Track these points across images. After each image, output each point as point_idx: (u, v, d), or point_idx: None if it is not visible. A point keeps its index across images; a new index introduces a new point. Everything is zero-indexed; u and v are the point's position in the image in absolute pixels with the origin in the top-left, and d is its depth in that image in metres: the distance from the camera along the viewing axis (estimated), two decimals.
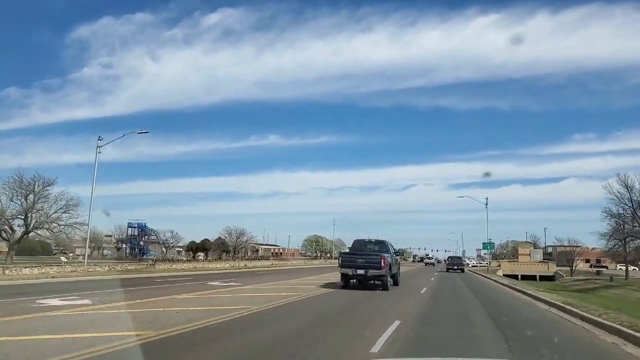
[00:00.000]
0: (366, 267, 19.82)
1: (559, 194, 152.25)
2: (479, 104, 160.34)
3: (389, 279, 21.05)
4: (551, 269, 63.57)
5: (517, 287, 27.63)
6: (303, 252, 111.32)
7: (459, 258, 64.24)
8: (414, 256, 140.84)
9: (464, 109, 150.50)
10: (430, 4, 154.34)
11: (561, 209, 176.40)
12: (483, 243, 46.20)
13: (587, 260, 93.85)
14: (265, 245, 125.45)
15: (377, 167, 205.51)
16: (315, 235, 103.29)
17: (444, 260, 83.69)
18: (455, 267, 54.32)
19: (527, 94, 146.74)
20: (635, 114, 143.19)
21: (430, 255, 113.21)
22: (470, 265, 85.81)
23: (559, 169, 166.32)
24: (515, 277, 60.95)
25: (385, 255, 20.57)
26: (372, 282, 20.60)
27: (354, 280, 20.87)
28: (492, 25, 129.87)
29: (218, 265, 47.38)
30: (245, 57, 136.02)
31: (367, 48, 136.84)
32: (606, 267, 76.79)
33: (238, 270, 41.97)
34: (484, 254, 64.78)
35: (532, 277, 62.85)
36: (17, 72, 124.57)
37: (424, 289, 23.58)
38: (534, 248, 72.19)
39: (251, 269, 46.56)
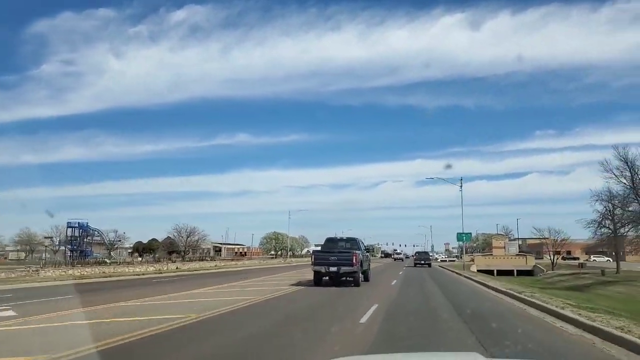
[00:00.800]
0: (338, 264, 20.13)
1: (522, 189, 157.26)
2: (445, 102, 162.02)
3: (360, 275, 21.18)
4: (530, 262, 57.45)
5: (497, 287, 20.56)
6: (264, 250, 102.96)
7: (426, 253, 65.24)
8: (382, 252, 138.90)
9: (431, 107, 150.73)
10: (397, 4, 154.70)
11: (524, 203, 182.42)
12: (458, 234, 38.85)
13: (558, 252, 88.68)
14: (230, 244, 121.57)
15: (348, 164, 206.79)
16: (275, 232, 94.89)
17: (412, 256, 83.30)
18: (423, 262, 55.22)
19: (490, 92, 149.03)
20: (591, 111, 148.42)
21: (399, 251, 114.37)
22: (438, 260, 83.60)
23: (521, 164, 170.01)
24: (490, 272, 54.65)
25: (357, 252, 20.90)
26: (344, 278, 20.79)
27: (326, 277, 21.10)
28: (457, 24, 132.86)
29: (137, 270, 38.48)
30: (212, 55, 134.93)
31: (336, 46, 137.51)
32: (578, 259, 71.20)
33: (155, 276, 33.07)
34: (459, 245, 58.19)
35: (509, 272, 56.61)
36: None
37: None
38: (509, 240, 65.90)
39: (181, 273, 37.86)
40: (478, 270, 54.56)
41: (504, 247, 63.81)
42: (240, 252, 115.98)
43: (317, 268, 20.75)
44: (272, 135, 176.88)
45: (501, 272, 56.23)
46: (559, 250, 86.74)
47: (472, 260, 64.51)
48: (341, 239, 23.90)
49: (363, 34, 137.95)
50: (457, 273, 38.53)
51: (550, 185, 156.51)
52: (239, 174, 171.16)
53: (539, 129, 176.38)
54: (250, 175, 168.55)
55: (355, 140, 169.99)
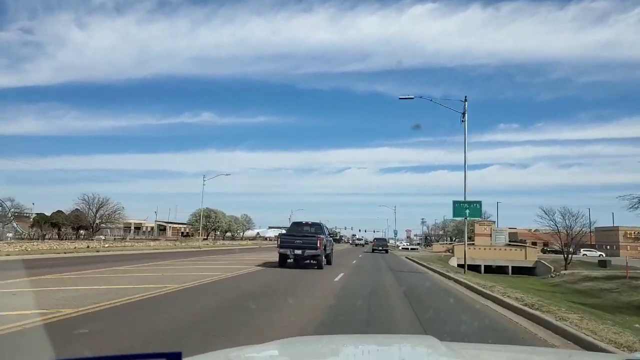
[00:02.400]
0: (303, 248, 20.77)
1: (482, 181, 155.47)
2: (412, 91, 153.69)
3: (323, 258, 21.70)
4: (530, 257, 42.11)
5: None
6: (194, 230, 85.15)
7: (384, 240, 66.24)
8: (340, 236, 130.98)
9: (398, 95, 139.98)
10: None
11: (485, 195, 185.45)
12: (456, 203, 20.57)
13: (534, 243, 74.88)
14: (177, 224, 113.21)
15: (314, 149, 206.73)
16: (208, 209, 77.22)
17: (371, 242, 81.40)
18: (380, 248, 55.66)
19: (458, 83, 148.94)
20: (554, 106, 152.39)
21: (360, 237, 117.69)
22: (399, 248, 78.73)
23: (484, 156, 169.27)
24: (475, 268, 39.07)
25: (321, 236, 21.60)
26: (308, 261, 21.50)
27: (291, 260, 21.59)
28: (428, 14, 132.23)
29: None
30: (180, 31, 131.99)
31: (306, 29, 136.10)
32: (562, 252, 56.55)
33: None
34: (454, 221, 42.54)
35: (501, 270, 41.21)
36: None
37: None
38: (497, 228, 50.55)
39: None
40: (459, 265, 39.08)
41: (490, 236, 48.51)
42: (185, 233, 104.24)
43: (283, 251, 21.19)
44: (239, 116, 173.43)
45: (490, 269, 40.87)
46: (534, 241, 72.81)
47: (449, 250, 49.35)
48: (306, 224, 24.34)
49: (334, 18, 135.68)
50: (441, 274, 22.57)
51: (510, 178, 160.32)
52: (202, 154, 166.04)
53: (502, 122, 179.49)
54: (215, 156, 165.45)
55: (322, 125, 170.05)
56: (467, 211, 18.29)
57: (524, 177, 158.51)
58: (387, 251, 55.71)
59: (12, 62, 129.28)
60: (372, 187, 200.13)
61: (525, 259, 41.74)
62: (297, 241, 20.93)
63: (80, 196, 77.18)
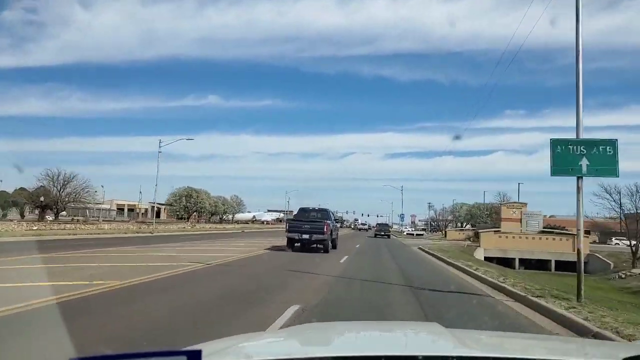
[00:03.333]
0: (310, 232, 21.25)
1: (487, 167, 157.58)
2: (419, 76, 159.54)
3: (329, 243, 22.15)
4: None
5: None
6: (172, 211, 76.02)
7: (386, 225, 66.92)
8: (343, 221, 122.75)
9: (404, 80, 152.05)
10: None
11: (490, 181, 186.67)
12: (560, 145, 11.61)
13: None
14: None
15: (319, 134, 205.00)
16: (190, 188, 67.86)
17: (374, 227, 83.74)
18: (382, 233, 56.40)
19: (466, 68, 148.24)
20: (562, 92, 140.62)
21: (364, 222, 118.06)
22: (404, 234, 76.06)
23: (489, 142, 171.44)
24: (507, 263, 29.85)
25: (328, 222, 22.12)
26: (315, 245, 21.73)
27: (297, 244, 21.91)
28: None
29: None
30: (186, 12, 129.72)
31: (314, 11, 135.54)
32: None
33: None
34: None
35: (541, 265, 31.83)
36: None
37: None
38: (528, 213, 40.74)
39: None
40: (486, 258, 29.77)
41: (520, 221, 38.97)
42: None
43: (291, 235, 21.70)
44: (244, 99, 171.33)
45: (528, 264, 31.51)
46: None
47: (470, 238, 39.90)
48: (313, 209, 24.46)
49: (342, 1, 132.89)
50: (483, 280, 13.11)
51: (515, 165, 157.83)
52: (207, 137, 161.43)
53: (509, 108, 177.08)
54: (219, 139, 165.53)
55: (328, 109, 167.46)
56: (585, 160, 8.13)
57: (529, 163, 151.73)
58: (389, 236, 55.97)
59: (15, 41, 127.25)
60: (377, 172, 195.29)
61: (573, 249, 32.25)
62: (305, 226, 21.49)
63: (44, 172, 67.68)
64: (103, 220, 57.48)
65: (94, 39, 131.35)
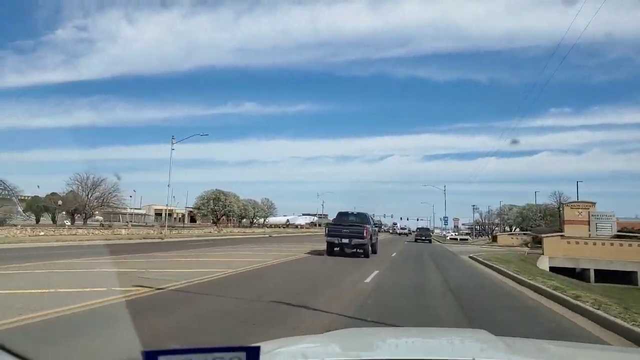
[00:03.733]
0: (350, 237, 21.03)
1: (531, 168, 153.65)
2: (456, 76, 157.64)
3: (369, 247, 21.89)
4: None
5: None
6: (201, 215, 72.97)
7: (427, 229, 66.12)
8: (380, 225, 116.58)
9: (441, 80, 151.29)
10: None
11: (535, 183, 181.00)
12: None
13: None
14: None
15: (354, 136, 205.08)
16: (218, 190, 64.56)
17: (414, 231, 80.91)
18: (423, 238, 55.90)
19: (506, 66, 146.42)
20: (611, 89, 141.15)
21: (403, 226, 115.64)
22: (447, 238, 71.16)
23: (533, 142, 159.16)
24: (579, 275, 24.46)
25: (367, 226, 21.83)
26: (355, 250, 21.39)
27: (337, 249, 21.58)
28: None
29: None
30: (223, 23, 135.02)
31: (346, 16, 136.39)
32: None
33: None
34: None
35: (625, 277, 26.21)
36: None
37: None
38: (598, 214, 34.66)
39: None
40: (551, 269, 24.49)
41: (588, 224, 33.12)
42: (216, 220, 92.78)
43: (330, 239, 21.52)
44: (279, 105, 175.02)
45: (604, 275, 25.80)
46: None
47: (527, 244, 34.10)
48: (352, 213, 24.34)
49: (375, 3, 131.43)
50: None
51: (562, 165, 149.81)
52: (244, 143, 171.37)
53: (554, 107, 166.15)
54: (256, 145, 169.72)
55: (363, 112, 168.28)
56: None
57: (579, 163, 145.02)
58: (430, 241, 55.56)
59: (68, 58, 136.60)
60: (415, 175, 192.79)
61: None
62: (344, 230, 21.35)
63: (73, 176, 66.16)
64: (124, 225, 54.90)
65: (138, 52, 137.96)
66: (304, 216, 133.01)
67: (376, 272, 14.80)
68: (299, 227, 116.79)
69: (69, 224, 51.40)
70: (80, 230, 35.63)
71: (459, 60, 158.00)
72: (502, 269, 16.64)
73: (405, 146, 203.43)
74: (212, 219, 68.61)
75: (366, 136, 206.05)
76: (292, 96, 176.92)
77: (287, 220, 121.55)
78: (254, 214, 79.07)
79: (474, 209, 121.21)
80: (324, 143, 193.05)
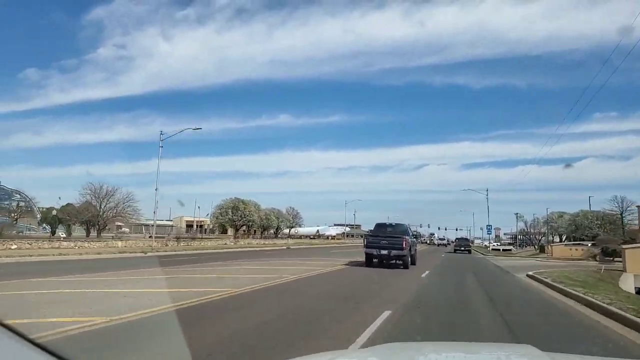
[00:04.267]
0: (389, 248, 21.07)
1: (575, 175, 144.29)
2: (494, 82, 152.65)
3: (409, 258, 21.77)
4: None
5: None
6: (218, 225, 68.29)
7: (466, 240, 65.20)
8: (417, 236, 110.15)
9: (479, 87, 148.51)
10: None
11: (577, 190, 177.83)
12: None
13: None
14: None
15: (389, 146, 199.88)
16: (236, 199, 59.80)
17: (452, 242, 76.98)
18: (462, 249, 55.17)
19: (545, 71, 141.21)
20: None
21: (442, 236, 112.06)
22: (489, 249, 66.49)
23: (576, 148, 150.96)
24: None
25: (406, 237, 21.76)
26: (394, 261, 21.48)
27: (375, 260, 21.74)
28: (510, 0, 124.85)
29: None
30: (257, 36, 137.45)
31: (380, 25, 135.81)
32: None
33: None
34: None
35: None
36: (36, 53, 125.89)
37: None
38: None
39: None
40: (638, 291, 17.98)
41: None
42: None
43: (369, 251, 21.64)
44: (313, 116, 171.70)
45: None
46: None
47: (596, 257, 27.11)
48: (390, 225, 24.23)
49: (409, 12, 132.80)
50: None
51: (609, 172, 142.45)
52: (279, 155, 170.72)
53: (598, 111, 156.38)
54: (291, 156, 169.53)
55: (397, 121, 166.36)
56: None
57: (625, 169, 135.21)
58: (469, 251, 54.84)
59: (108, 75, 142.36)
60: (454, 184, 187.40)
61: None
62: (383, 242, 21.30)
63: (86, 185, 62.91)
64: (141, 236, 50.87)
65: (174, 68, 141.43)
66: (335, 226, 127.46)
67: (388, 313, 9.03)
68: (330, 238, 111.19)
69: (64, 236, 47.61)
70: (65, 243, 31.18)
71: (496, 67, 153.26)
72: (596, 301, 10.46)
73: (442, 155, 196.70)
74: (233, 230, 63.93)
75: (401, 145, 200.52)
76: (326, 107, 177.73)
77: (317, 231, 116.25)
78: (278, 224, 73.83)
79: (517, 216, 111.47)
80: (358, 153, 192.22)
